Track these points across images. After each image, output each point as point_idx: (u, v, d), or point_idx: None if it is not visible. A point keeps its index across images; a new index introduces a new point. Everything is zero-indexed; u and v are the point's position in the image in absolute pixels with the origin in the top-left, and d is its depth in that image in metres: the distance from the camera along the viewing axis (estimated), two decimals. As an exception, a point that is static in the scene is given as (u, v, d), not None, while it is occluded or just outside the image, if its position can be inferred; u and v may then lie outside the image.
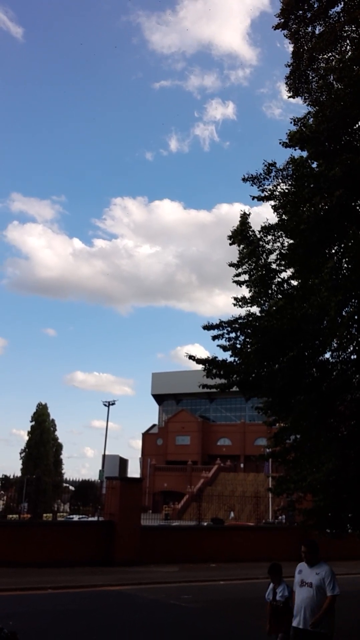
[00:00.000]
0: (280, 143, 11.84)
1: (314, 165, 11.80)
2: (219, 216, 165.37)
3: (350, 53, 12.33)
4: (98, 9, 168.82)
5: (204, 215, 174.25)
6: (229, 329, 12.32)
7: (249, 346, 12.04)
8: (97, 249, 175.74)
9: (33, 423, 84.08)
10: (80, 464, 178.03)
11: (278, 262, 12.64)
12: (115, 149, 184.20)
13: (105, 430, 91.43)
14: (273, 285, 12.75)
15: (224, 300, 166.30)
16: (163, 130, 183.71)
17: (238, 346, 12.26)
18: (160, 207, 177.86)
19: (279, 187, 12.12)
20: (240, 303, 12.95)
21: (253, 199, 12.64)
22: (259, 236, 12.77)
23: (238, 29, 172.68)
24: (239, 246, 13.09)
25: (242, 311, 12.91)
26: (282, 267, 12.70)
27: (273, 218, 12.69)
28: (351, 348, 11.70)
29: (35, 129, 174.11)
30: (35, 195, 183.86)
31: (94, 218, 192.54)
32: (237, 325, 12.29)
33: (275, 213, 12.32)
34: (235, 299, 13.05)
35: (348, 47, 12.67)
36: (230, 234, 13.21)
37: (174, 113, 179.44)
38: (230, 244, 13.24)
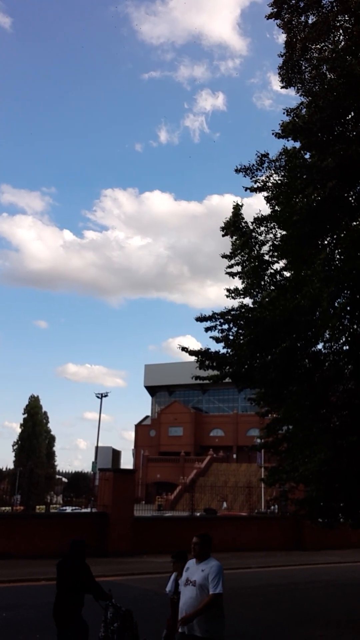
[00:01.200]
0: (273, 134, 11.80)
1: (307, 156, 11.77)
2: (210, 207, 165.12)
3: (343, 43, 12.28)
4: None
5: (195, 207, 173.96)
6: (222, 320, 12.32)
7: (241, 337, 12.05)
8: (87, 241, 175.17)
9: (25, 415, 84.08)
10: (73, 455, 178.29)
11: (271, 253, 12.63)
12: (105, 140, 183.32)
13: (98, 422, 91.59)
14: (266, 277, 12.75)
15: (216, 292, 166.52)
16: (152, 121, 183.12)
17: (231, 337, 12.28)
18: (151, 198, 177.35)
19: (271, 178, 12.09)
20: (233, 294, 12.95)
21: (246, 190, 12.61)
22: (251, 227, 12.75)
23: (228, 19, 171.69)
24: (231, 237, 13.07)
25: (234, 302, 12.92)
26: (275, 259, 12.69)
27: (265, 209, 12.68)
28: (343, 339, 11.74)
29: (24, 121, 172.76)
30: (25, 187, 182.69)
31: (84, 210, 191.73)
32: (229, 317, 12.29)
33: (268, 204, 12.30)
34: (228, 290, 13.05)
35: (341, 37, 12.62)
36: (223, 225, 13.17)
37: (164, 104, 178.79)
38: (223, 235, 13.22)
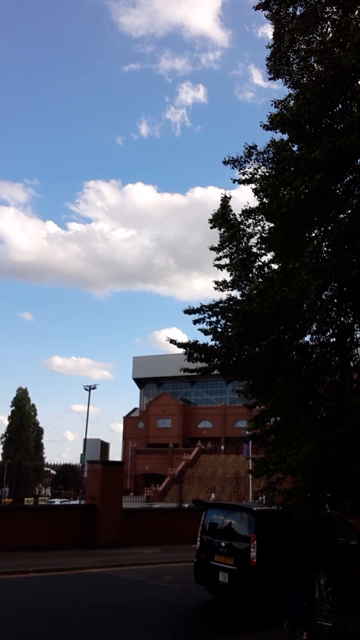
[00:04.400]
0: (260, 125, 11.75)
1: (295, 148, 11.76)
2: (194, 199, 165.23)
3: (331, 35, 12.24)
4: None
5: (179, 199, 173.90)
6: (210, 312, 12.33)
7: (229, 330, 12.07)
8: (72, 233, 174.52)
9: (13, 408, 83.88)
10: (61, 448, 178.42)
11: (259, 245, 12.63)
12: (86, 132, 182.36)
13: (87, 414, 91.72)
14: (254, 269, 12.76)
15: (202, 284, 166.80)
16: (133, 114, 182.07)
17: (219, 330, 12.29)
18: (134, 190, 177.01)
19: (259, 170, 12.07)
20: (221, 287, 12.95)
21: (234, 182, 12.58)
22: (239, 220, 12.73)
23: (209, 11, 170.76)
24: (219, 230, 13.05)
25: (222, 295, 12.92)
26: (263, 251, 12.70)
27: (250, 201, 12.69)
28: (330, 331, 11.79)
29: (5, 113, 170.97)
30: (8, 179, 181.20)
31: (68, 202, 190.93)
32: (217, 309, 12.30)
33: (256, 196, 12.28)
34: (216, 282, 13.05)
35: (329, 29, 12.58)
36: (211, 217, 13.15)
37: (145, 97, 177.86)
38: (211, 228, 13.20)
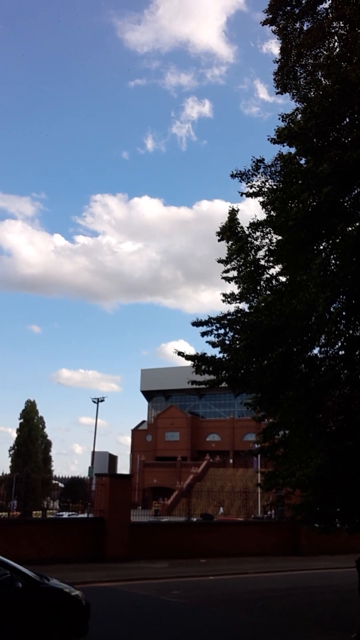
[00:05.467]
0: (268, 139, 11.84)
1: (302, 161, 11.82)
2: (200, 213, 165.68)
3: (338, 49, 12.36)
4: (72, 8, 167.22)
5: (185, 212, 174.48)
6: (218, 325, 12.34)
7: (237, 342, 12.07)
8: (79, 246, 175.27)
9: (22, 420, 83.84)
10: (69, 460, 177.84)
11: (267, 258, 12.66)
12: (92, 147, 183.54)
13: (95, 427, 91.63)
14: (262, 282, 12.77)
15: (210, 297, 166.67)
16: (139, 129, 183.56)
17: (227, 342, 12.29)
18: (140, 204, 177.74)
19: (267, 183, 12.13)
20: (229, 299, 12.97)
21: (242, 195, 12.65)
22: (247, 232, 12.78)
23: (214, 27, 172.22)
24: (227, 242, 13.09)
25: (230, 307, 12.94)
26: (271, 264, 12.72)
27: (257, 215, 12.74)
28: (339, 344, 11.76)
29: (13, 127, 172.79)
30: (15, 193, 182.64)
31: (75, 215, 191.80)
32: (225, 322, 12.31)
33: (264, 209, 12.33)
34: (224, 295, 13.07)
35: (336, 44, 12.69)
36: (219, 230, 13.21)
37: (150, 112, 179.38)
38: (219, 240, 13.24)
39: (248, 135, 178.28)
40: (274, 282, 12.80)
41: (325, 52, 12.64)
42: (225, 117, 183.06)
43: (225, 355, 12.22)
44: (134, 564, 20.34)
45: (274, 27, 13.64)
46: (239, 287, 13.00)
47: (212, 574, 19.37)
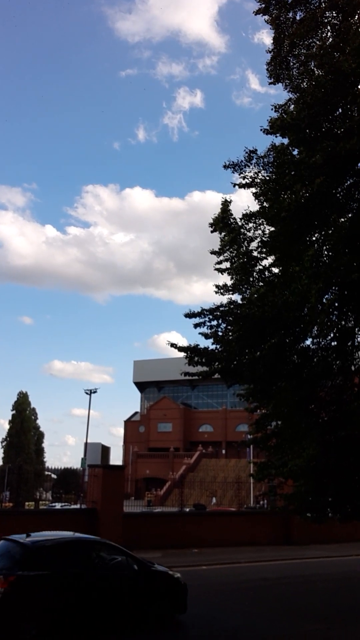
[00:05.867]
0: (261, 129, 11.80)
1: (295, 152, 11.79)
2: (192, 204, 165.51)
3: (331, 39, 12.31)
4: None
5: (177, 203, 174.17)
6: (211, 316, 12.34)
7: (230, 334, 12.09)
8: (71, 237, 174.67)
9: (14, 412, 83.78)
10: (61, 452, 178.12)
11: (259, 249, 12.66)
12: (83, 137, 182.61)
13: (87, 418, 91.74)
14: (254, 273, 12.78)
15: (202, 288, 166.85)
16: (130, 119, 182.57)
17: (220, 334, 12.30)
18: (132, 195, 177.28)
19: (260, 174, 12.10)
20: (222, 291, 12.98)
21: (234, 186, 12.65)
22: (240, 224, 12.76)
23: (206, 16, 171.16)
24: (220, 234, 13.08)
25: (223, 299, 12.96)
26: (264, 255, 12.73)
27: (249, 206, 12.72)
28: (331, 335, 11.81)
29: (3, 118, 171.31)
30: (6, 183, 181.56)
31: (66, 206, 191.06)
32: (218, 313, 12.32)
33: (257, 200, 12.31)
34: (217, 286, 13.07)
35: (329, 34, 12.64)
36: (212, 221, 13.18)
37: (142, 102, 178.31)
38: (212, 232, 13.22)
39: (240, 126, 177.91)
40: (266, 273, 12.81)
41: (318, 42, 12.59)
42: (217, 108, 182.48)
43: (218, 346, 12.23)
44: (127, 554, 20.41)
45: (266, 17, 13.54)
46: (231, 278, 13.00)
47: (205, 563, 19.48)
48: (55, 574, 9.52)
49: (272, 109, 12.32)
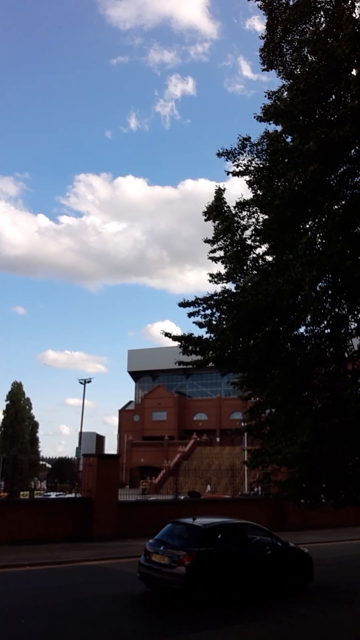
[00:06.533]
0: (254, 117, 11.71)
1: (289, 139, 11.73)
2: (185, 192, 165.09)
3: (324, 25, 12.19)
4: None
5: (170, 191, 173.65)
6: (205, 305, 12.33)
7: (224, 322, 12.08)
8: (63, 226, 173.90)
9: (8, 402, 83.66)
10: (56, 441, 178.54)
11: (253, 237, 12.63)
12: (75, 126, 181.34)
13: (82, 408, 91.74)
14: (248, 261, 12.76)
15: (195, 277, 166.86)
16: (122, 107, 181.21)
17: (214, 322, 12.30)
18: (124, 183, 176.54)
19: (253, 162, 12.04)
20: (215, 279, 12.95)
21: (228, 174, 12.55)
22: (234, 212, 12.72)
23: (197, 3, 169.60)
24: (214, 222, 13.02)
25: (217, 287, 12.93)
26: (257, 243, 12.70)
27: (241, 194, 12.68)
28: (325, 323, 11.81)
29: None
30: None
31: (58, 195, 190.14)
32: (212, 302, 12.30)
33: (250, 188, 12.26)
34: (211, 275, 13.05)
35: (322, 19, 12.51)
36: (205, 209, 13.12)
37: (133, 90, 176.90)
38: (206, 220, 13.17)
39: (232, 113, 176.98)
40: (260, 261, 12.79)
41: (311, 28, 12.46)
42: (209, 95, 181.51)
43: (212, 335, 12.23)
44: (122, 542, 20.54)
45: (259, 2, 13.39)
46: (225, 267, 12.97)
47: (200, 550, 19.63)
48: (222, 550, 11.90)
49: (265, 96, 12.22)
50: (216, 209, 12.92)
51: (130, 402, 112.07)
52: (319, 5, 12.24)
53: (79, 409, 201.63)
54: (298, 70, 12.27)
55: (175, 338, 12.37)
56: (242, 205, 12.56)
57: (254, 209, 12.49)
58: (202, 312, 12.42)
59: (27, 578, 14.32)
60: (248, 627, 10.06)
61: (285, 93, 11.92)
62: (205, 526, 12.29)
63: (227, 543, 12.16)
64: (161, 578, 11.52)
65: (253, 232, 12.58)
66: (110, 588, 13.17)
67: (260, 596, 12.19)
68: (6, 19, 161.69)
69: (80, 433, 63.87)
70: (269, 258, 12.69)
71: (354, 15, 11.11)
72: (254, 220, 12.59)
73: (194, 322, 12.45)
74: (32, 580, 13.97)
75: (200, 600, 10.99)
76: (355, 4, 11.39)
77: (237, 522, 13.36)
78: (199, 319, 12.46)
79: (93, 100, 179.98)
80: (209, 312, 12.41)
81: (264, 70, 13.20)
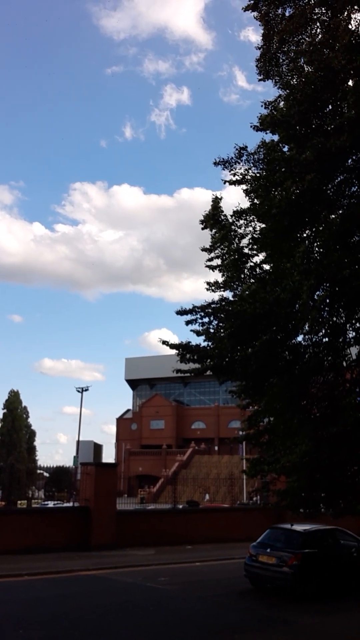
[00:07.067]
0: (251, 126, 11.79)
1: (285, 149, 11.80)
2: (181, 201, 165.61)
3: (320, 36, 12.30)
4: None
5: (165, 200, 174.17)
6: (202, 313, 12.34)
7: (222, 331, 12.09)
8: (59, 235, 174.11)
9: (5, 410, 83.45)
10: (53, 450, 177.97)
11: (250, 246, 12.67)
12: (70, 135, 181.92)
13: (79, 416, 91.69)
14: (245, 270, 12.79)
15: (192, 285, 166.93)
16: (117, 117, 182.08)
17: (211, 331, 12.30)
18: (120, 192, 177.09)
19: (250, 171, 12.10)
20: (213, 287, 12.98)
21: (224, 183, 12.62)
22: (231, 220, 12.77)
23: (192, 13, 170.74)
24: (211, 230, 13.07)
25: (215, 296, 12.95)
26: (255, 252, 12.74)
27: (238, 202, 12.74)
28: (323, 331, 11.84)
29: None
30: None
31: (54, 204, 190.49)
32: (210, 310, 12.31)
33: (247, 197, 12.31)
34: (208, 283, 13.08)
35: (318, 30, 12.62)
36: (203, 218, 13.18)
37: (128, 99, 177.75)
38: (203, 228, 13.22)
39: (227, 123, 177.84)
40: (257, 270, 12.82)
41: (307, 39, 12.57)
42: (204, 105, 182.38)
43: (210, 343, 12.23)
44: (120, 551, 20.44)
45: (255, 13, 13.50)
46: (223, 275, 13.00)
47: (199, 560, 19.55)
48: (319, 551, 13.61)
49: (261, 106, 12.32)
50: (213, 218, 12.97)
51: (128, 410, 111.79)
52: (315, 17, 12.35)
53: (76, 417, 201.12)
54: (294, 80, 12.37)
55: (172, 346, 12.37)
56: (239, 213, 12.62)
57: (251, 218, 12.54)
58: (200, 320, 12.43)
59: (26, 587, 14.23)
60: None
61: (282, 103, 12.01)
62: (305, 531, 14.10)
63: (324, 545, 13.97)
64: (269, 576, 13.48)
65: (250, 241, 12.62)
66: (108, 597, 13.10)
67: (352, 590, 13.94)
68: (1, 28, 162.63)
69: (78, 441, 63.67)
70: (267, 266, 12.73)
71: (350, 26, 11.21)
72: (251, 228, 12.64)
73: (191, 330, 12.46)
74: (30, 590, 13.89)
75: (301, 594, 12.81)
76: (352, 16, 11.49)
77: (330, 528, 14.79)
78: (196, 327, 12.46)
79: (88, 110, 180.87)
80: (206, 320, 12.41)
81: (260, 80, 13.30)
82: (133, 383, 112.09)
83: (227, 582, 15.07)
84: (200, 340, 12.49)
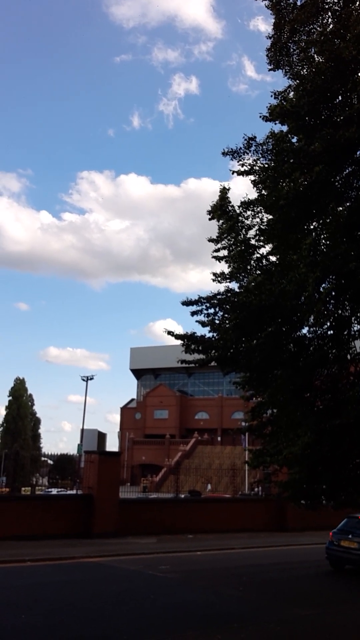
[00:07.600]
0: (260, 116, 11.72)
1: (294, 140, 11.72)
2: (188, 191, 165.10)
3: (331, 26, 12.17)
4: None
5: (173, 190, 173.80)
6: (208, 304, 12.34)
7: (227, 322, 12.09)
8: (66, 223, 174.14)
9: (10, 398, 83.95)
10: (58, 438, 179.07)
11: (257, 237, 12.62)
12: (78, 123, 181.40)
13: (84, 405, 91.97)
14: (252, 261, 12.76)
15: (198, 276, 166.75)
16: (125, 106, 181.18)
17: (217, 322, 12.30)
18: (127, 181, 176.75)
19: (258, 162, 12.04)
20: (219, 279, 12.95)
21: (233, 174, 12.56)
22: (238, 211, 12.71)
23: (202, 2, 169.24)
24: (218, 221, 13.02)
25: (221, 287, 12.95)
26: (261, 243, 12.69)
27: (246, 193, 12.68)
28: (328, 324, 11.82)
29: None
30: (1, 169, 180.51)
31: (61, 192, 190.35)
32: (215, 301, 12.31)
33: (255, 188, 12.26)
34: (214, 274, 13.05)
35: (330, 20, 12.50)
36: (210, 208, 13.13)
37: (136, 88, 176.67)
38: (210, 219, 13.17)
39: (235, 113, 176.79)
40: (264, 261, 12.78)
41: (318, 29, 12.45)
42: (212, 95, 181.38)
43: (215, 334, 12.24)
44: (122, 539, 20.58)
45: (267, 2, 13.39)
46: (229, 266, 12.97)
47: (200, 549, 19.65)
48: None
49: (271, 96, 12.23)
50: (220, 208, 12.92)
51: (132, 399, 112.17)
52: (327, 6, 12.22)
53: (80, 405, 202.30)
54: (305, 70, 12.26)
55: (178, 337, 12.38)
56: (246, 204, 12.56)
57: (258, 209, 12.48)
58: (205, 311, 12.42)
59: (28, 573, 14.36)
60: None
61: (292, 93, 11.92)
62: None
63: None
64: (351, 558, 15.14)
65: (257, 232, 12.57)
66: (109, 585, 13.20)
67: None
68: (9, 16, 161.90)
69: (82, 430, 63.96)
70: (273, 258, 12.69)
71: (361, 16, 11.08)
72: (258, 220, 12.59)
73: (196, 321, 12.46)
74: (32, 576, 14.02)
75: None
76: (363, 5, 11.36)
77: None
78: (201, 317, 12.47)
79: (96, 98, 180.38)
80: (212, 311, 12.41)
81: (270, 70, 13.19)
82: (138, 373, 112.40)
83: (227, 572, 15.16)
84: (205, 331, 12.50)
